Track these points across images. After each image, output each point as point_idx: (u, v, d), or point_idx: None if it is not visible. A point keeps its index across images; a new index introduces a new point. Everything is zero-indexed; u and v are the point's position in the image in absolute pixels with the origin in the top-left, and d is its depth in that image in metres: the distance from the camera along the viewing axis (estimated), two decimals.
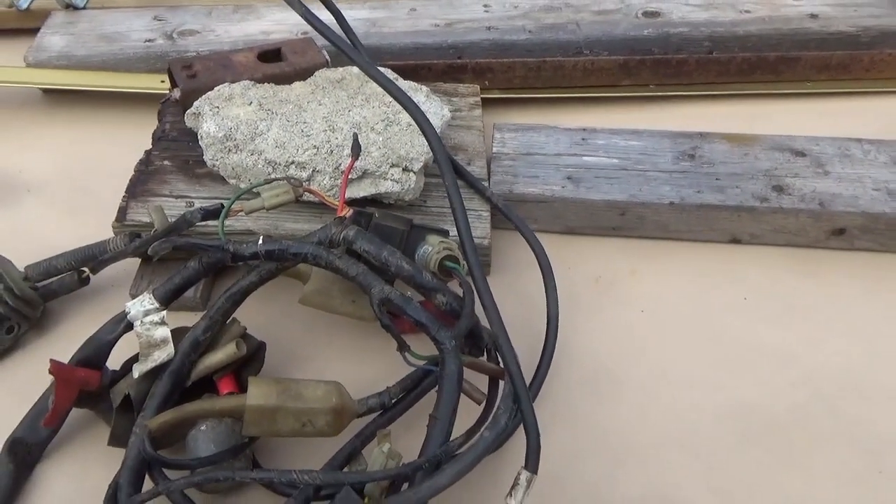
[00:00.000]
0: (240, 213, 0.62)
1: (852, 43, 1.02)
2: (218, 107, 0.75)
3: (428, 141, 0.63)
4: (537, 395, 0.67)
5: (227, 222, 0.63)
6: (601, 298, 0.77)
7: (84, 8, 1.07)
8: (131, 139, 0.92)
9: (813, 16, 1.04)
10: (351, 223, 0.62)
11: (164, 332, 0.61)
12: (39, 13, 1.07)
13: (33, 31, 1.04)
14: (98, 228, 0.77)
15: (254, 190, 0.63)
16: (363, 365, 0.70)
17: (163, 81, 0.96)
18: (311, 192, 0.64)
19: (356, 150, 0.65)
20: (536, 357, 0.69)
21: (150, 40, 1.00)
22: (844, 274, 0.78)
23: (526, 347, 0.68)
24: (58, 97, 1.00)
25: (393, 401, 0.62)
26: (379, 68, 0.72)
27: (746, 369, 0.70)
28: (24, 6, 1.07)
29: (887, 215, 0.76)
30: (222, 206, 0.62)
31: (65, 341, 0.73)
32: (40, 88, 1.00)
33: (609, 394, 0.69)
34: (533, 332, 0.71)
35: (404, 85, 0.81)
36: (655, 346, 0.73)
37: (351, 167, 0.64)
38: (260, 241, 0.60)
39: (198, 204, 0.75)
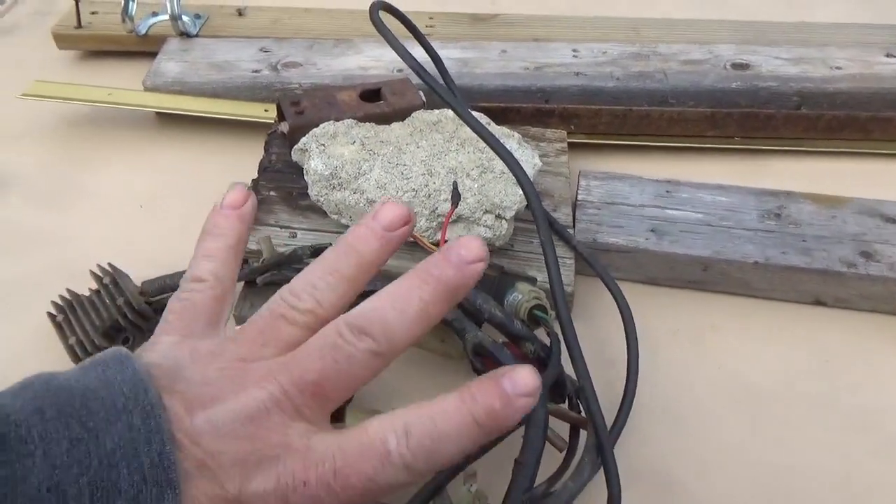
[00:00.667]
0: None
1: None
2: (324, 144, 0.80)
3: (525, 194, 0.66)
4: (614, 446, 0.69)
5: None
6: (679, 351, 0.78)
7: (197, 36, 1.15)
8: (235, 162, 0.99)
9: None
10: None
11: None
12: (156, 38, 1.15)
13: (150, 55, 1.13)
14: None
15: None
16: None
17: (266, 111, 1.03)
18: (415, 238, 0.68)
19: (456, 198, 0.69)
20: (612, 406, 0.71)
21: (256, 71, 1.07)
22: None
23: (602, 396, 0.70)
24: (170, 120, 1.08)
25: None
26: (472, 112, 0.75)
27: (825, 434, 0.71)
28: (143, 32, 1.16)
29: None
30: (331, 244, 0.66)
31: None
32: (155, 112, 1.08)
33: (684, 448, 0.70)
34: (610, 380, 0.73)
35: (496, 130, 0.84)
36: (734, 404, 0.73)
37: (451, 214, 0.68)
38: None
39: (300, 234, 0.80)
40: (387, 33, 0.75)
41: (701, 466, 0.69)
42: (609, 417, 0.70)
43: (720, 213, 0.84)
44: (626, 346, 0.73)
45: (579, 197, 0.87)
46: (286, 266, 0.68)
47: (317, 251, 0.66)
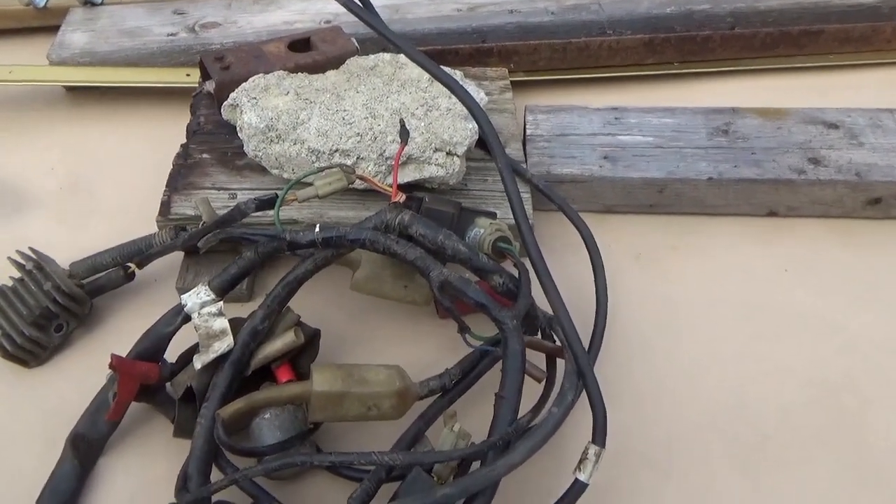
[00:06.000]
0: (293, 202, 0.62)
1: (873, 14, 1.02)
2: (256, 98, 0.75)
3: (477, 121, 0.63)
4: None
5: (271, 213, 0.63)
6: (643, 275, 0.78)
7: (102, 4, 1.07)
8: (159, 134, 0.91)
9: None
10: (404, 208, 0.62)
11: (222, 322, 0.61)
12: (58, 10, 1.06)
13: (53, 29, 1.03)
14: (137, 223, 0.76)
15: (306, 178, 0.63)
16: (415, 349, 0.70)
17: (188, 75, 0.96)
18: (363, 178, 0.64)
19: (405, 135, 0.65)
20: (583, 334, 0.70)
21: (172, 34, 1.00)
22: (881, 242, 0.79)
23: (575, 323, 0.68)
24: (82, 95, 0.99)
25: (453, 382, 0.63)
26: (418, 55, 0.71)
27: (791, 338, 0.71)
28: (42, 4, 1.06)
29: None
30: (276, 195, 0.62)
31: (113, 337, 0.73)
32: (64, 86, 0.99)
33: (657, 368, 0.70)
34: (579, 310, 0.71)
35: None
36: (700, 319, 0.73)
37: (401, 153, 0.65)
38: (317, 229, 0.60)
39: (240, 195, 0.75)
40: None
41: (676, 382, 0.68)
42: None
43: (670, 134, 0.84)
44: (591, 274, 0.72)
45: (528, 132, 0.85)
46: (230, 223, 0.63)
47: (262, 204, 0.62)
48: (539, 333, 0.65)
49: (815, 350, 0.70)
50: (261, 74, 0.79)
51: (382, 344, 0.71)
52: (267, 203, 0.62)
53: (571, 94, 0.99)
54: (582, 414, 0.57)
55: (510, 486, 0.60)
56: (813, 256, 0.78)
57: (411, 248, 0.60)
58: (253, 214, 0.63)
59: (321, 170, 0.64)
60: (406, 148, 0.71)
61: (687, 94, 0.99)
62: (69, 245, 0.77)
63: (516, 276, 0.63)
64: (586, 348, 0.68)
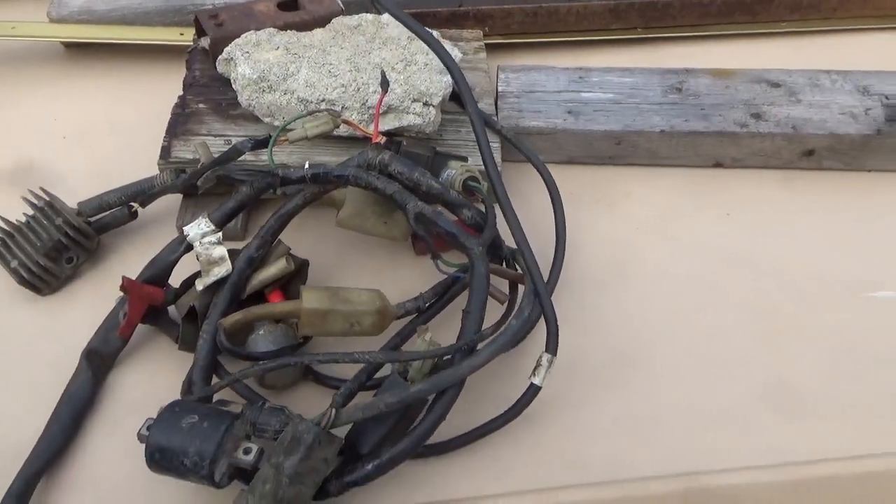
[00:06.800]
0: (285, 142, 0.69)
1: None
2: (248, 52, 0.82)
3: (450, 70, 0.70)
4: (552, 295, 0.76)
5: (263, 157, 0.71)
6: (600, 217, 0.86)
7: None
8: (155, 88, 0.98)
9: None
10: (385, 149, 0.70)
11: (221, 250, 0.69)
12: None
13: None
14: (139, 169, 0.83)
15: (297, 121, 0.70)
16: (394, 280, 0.78)
17: (182, 34, 1.02)
18: (347, 122, 0.72)
19: (385, 84, 0.73)
20: (545, 267, 0.78)
21: None
22: (813, 190, 0.88)
23: (538, 260, 0.77)
24: (80, 52, 1.05)
25: (427, 304, 0.71)
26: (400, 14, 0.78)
27: (731, 270, 0.80)
28: None
29: (851, 136, 0.86)
30: (269, 136, 0.69)
31: (119, 269, 0.79)
32: (62, 43, 1.05)
33: (610, 297, 0.78)
34: (543, 246, 0.79)
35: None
36: (649, 256, 0.82)
37: (382, 100, 0.72)
38: (306, 166, 0.68)
39: (235, 141, 0.82)
40: None
41: (630, 308, 0.77)
42: (544, 277, 0.77)
43: (628, 91, 0.91)
44: (552, 214, 0.80)
45: (500, 88, 0.92)
46: (227, 162, 0.70)
47: (257, 144, 0.69)
48: (503, 264, 0.73)
49: (750, 278, 0.79)
50: (252, 31, 0.86)
51: (365, 276, 0.79)
52: (261, 143, 0.69)
53: (543, 56, 1.06)
54: (541, 335, 0.66)
55: (478, 394, 0.68)
56: (752, 202, 0.87)
57: (390, 183, 0.68)
58: (247, 160, 0.70)
59: (310, 113, 0.71)
60: (386, 98, 0.78)
61: (649, 57, 1.06)
62: (76, 188, 0.84)
63: (484, 210, 0.71)
64: (547, 278, 0.77)
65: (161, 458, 0.57)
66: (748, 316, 0.77)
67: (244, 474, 0.58)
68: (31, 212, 0.79)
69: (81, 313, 0.75)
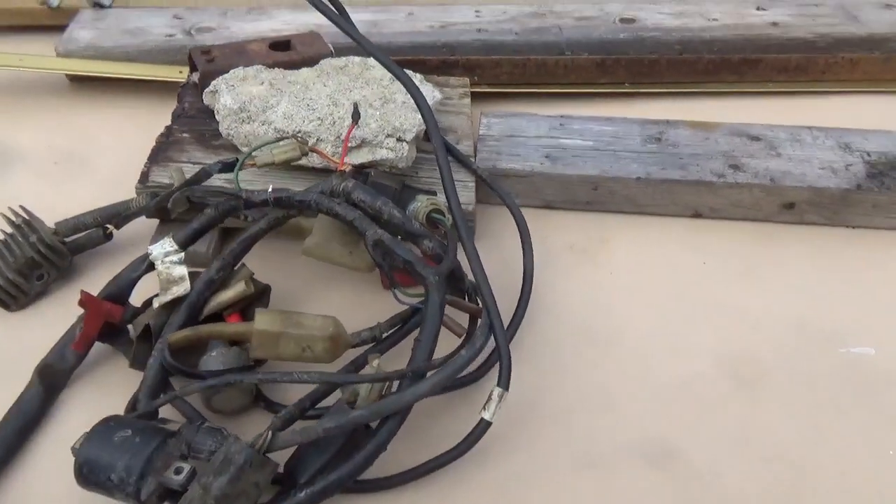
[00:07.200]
0: (252, 166, 0.70)
1: (810, 48, 1.12)
2: (233, 85, 0.84)
3: (418, 106, 0.71)
4: (514, 337, 0.74)
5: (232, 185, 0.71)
6: (574, 262, 0.85)
7: (110, 6, 1.17)
8: (150, 120, 1.00)
9: (774, 24, 1.14)
10: (350, 177, 0.70)
11: (181, 270, 0.69)
12: (69, 11, 1.17)
13: (63, 28, 1.14)
14: (121, 194, 0.84)
15: (265, 147, 0.72)
16: (357, 311, 0.77)
17: (181, 72, 1.05)
18: (315, 150, 0.73)
19: (356, 116, 0.74)
20: (513, 307, 0.77)
21: (170, 35, 1.10)
22: (793, 243, 0.87)
23: (507, 302, 0.76)
24: (84, 85, 1.09)
25: (384, 335, 0.70)
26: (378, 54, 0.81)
27: (704, 319, 0.78)
28: (55, 4, 1.17)
29: (830, 190, 0.85)
30: (237, 159, 0.70)
31: (89, 290, 0.79)
32: (67, 76, 1.09)
33: (576, 338, 0.76)
34: (513, 290, 0.78)
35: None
36: (622, 301, 0.81)
37: (351, 130, 0.73)
38: (269, 189, 0.68)
39: None
40: None
41: (591, 351, 0.75)
42: (509, 315, 0.76)
43: (608, 139, 0.92)
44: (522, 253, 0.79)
45: (481, 132, 0.94)
46: (196, 183, 0.71)
47: (225, 166, 0.70)
48: (466, 298, 0.72)
49: (721, 329, 0.77)
50: (241, 67, 0.89)
51: (331, 307, 0.78)
52: (229, 166, 0.71)
53: (529, 106, 1.08)
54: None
55: (431, 429, 0.67)
56: (730, 253, 0.86)
57: (351, 210, 0.68)
58: (225, 188, 0.71)
59: (279, 139, 0.72)
60: (361, 132, 0.79)
61: (633, 110, 1.07)
62: (60, 210, 0.86)
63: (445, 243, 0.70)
64: (512, 314, 0.75)
65: (89, 473, 0.55)
66: (719, 365, 0.74)
67: (175, 496, 0.56)
68: (9, 230, 0.80)
69: (47, 331, 0.75)
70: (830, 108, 1.07)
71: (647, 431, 0.69)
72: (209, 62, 0.91)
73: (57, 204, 0.90)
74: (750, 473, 0.65)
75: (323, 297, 0.79)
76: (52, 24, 1.19)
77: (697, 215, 0.90)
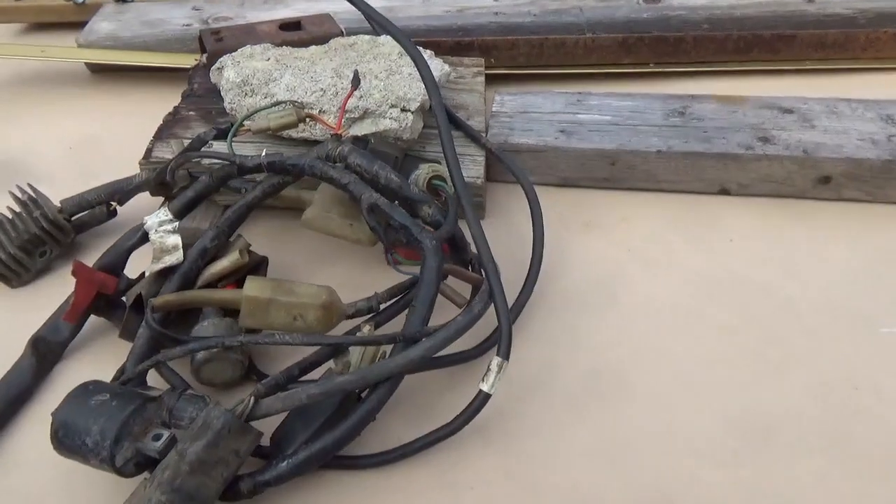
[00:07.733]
0: (247, 132, 0.68)
1: (849, 24, 1.05)
2: (239, 61, 0.83)
3: (417, 67, 0.68)
4: (521, 313, 0.70)
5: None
6: (590, 240, 0.80)
7: (132, 1, 1.19)
8: (167, 108, 1.00)
9: (810, 0, 1.08)
10: (347, 142, 0.68)
11: (175, 239, 0.67)
12: (94, 7, 1.19)
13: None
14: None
15: (261, 112, 0.70)
16: (360, 288, 0.74)
17: (196, 59, 1.05)
18: (311, 116, 0.71)
19: (356, 81, 0.71)
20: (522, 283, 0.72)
21: (187, 25, 1.10)
22: (827, 220, 0.80)
23: (517, 280, 0.72)
24: (104, 74, 1.10)
25: (381, 306, 0.66)
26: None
27: (726, 299, 0.72)
28: (81, 0, 1.19)
29: (870, 161, 0.78)
30: (231, 125, 0.68)
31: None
32: (88, 66, 1.10)
33: (589, 317, 0.71)
34: (524, 267, 0.74)
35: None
36: (638, 279, 0.75)
37: (350, 95, 0.71)
38: (263, 154, 0.66)
39: (216, 144, 0.82)
40: None
41: (605, 329, 0.70)
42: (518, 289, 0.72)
43: (627, 114, 0.88)
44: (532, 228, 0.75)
45: (493, 109, 0.90)
46: (192, 151, 0.70)
47: (220, 133, 0.68)
48: (469, 269, 0.68)
49: (746, 309, 0.71)
50: (249, 45, 0.87)
51: (327, 279, 0.75)
52: (224, 133, 0.69)
53: (548, 88, 1.04)
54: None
55: (431, 403, 0.63)
56: (760, 231, 0.80)
57: (346, 173, 0.65)
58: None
59: (276, 104, 0.70)
60: (364, 102, 0.77)
61: (658, 90, 1.02)
62: (69, 192, 0.85)
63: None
64: (520, 290, 0.71)
65: (64, 436, 0.53)
66: (744, 347, 0.68)
67: (154, 465, 0.53)
68: (17, 208, 0.80)
69: (48, 307, 0.74)
70: (871, 84, 1.00)
71: (663, 414, 0.63)
72: (218, 42, 0.90)
73: (67, 185, 0.90)
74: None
75: (324, 273, 0.76)
76: (79, 21, 1.20)
77: (724, 192, 0.84)
